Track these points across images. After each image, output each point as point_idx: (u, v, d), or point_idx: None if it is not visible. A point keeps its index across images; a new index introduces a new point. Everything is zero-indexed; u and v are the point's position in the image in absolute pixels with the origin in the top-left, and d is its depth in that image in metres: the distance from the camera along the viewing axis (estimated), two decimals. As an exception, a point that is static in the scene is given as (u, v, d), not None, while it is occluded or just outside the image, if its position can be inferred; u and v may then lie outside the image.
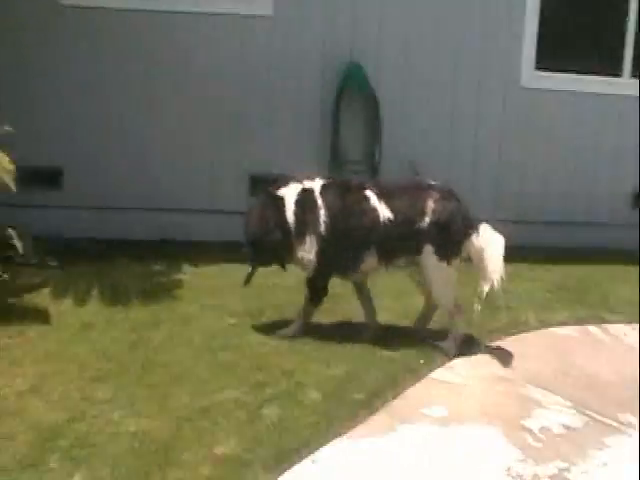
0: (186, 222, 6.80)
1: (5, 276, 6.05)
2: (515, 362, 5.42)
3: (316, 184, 5.39)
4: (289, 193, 5.35)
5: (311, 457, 4.30)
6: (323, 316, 5.78)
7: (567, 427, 4.67)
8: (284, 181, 5.37)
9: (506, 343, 5.71)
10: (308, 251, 5.34)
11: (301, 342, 5.43)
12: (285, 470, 4.19)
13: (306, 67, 7.03)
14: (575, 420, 4.74)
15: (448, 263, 5.36)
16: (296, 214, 5.31)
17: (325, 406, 4.75)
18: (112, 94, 6.90)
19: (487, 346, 5.61)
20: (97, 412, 4.54)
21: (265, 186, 5.47)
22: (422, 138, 7.23)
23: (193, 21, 6.94)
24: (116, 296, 5.82)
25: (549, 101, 7.48)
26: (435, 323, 5.76)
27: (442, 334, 5.59)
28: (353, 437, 4.50)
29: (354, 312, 5.85)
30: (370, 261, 5.41)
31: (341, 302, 6.02)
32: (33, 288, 5.84)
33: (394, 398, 4.86)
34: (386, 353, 5.37)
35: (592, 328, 6.13)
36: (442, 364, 5.31)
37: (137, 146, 6.91)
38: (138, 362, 5.07)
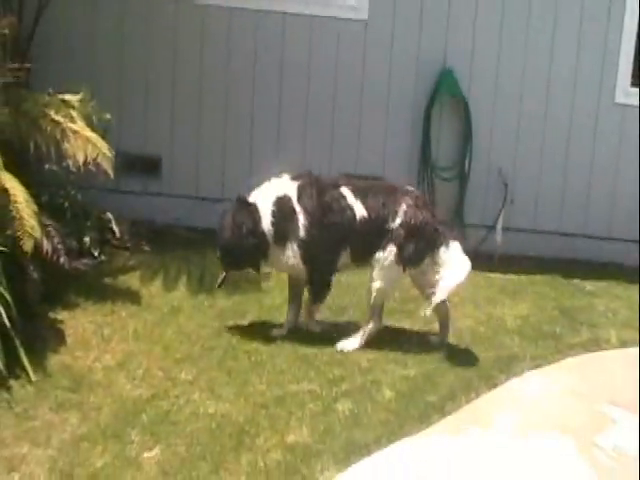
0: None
1: (102, 258, 6.42)
2: (593, 379, 5.48)
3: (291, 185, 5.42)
4: (264, 198, 5.38)
5: (380, 453, 4.49)
6: (404, 318, 5.95)
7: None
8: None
9: (585, 359, 5.76)
10: (293, 255, 5.40)
11: (380, 342, 5.61)
12: (354, 463, 4.39)
13: (398, 71, 7.19)
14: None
15: (403, 269, 5.47)
16: (273, 220, 5.35)
17: (398, 405, 4.94)
18: (214, 89, 7.19)
19: (565, 361, 5.68)
20: (179, 392, 4.84)
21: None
22: (512, 146, 7.30)
23: (289, 22, 7.18)
24: (204, 284, 6.10)
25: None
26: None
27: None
28: (423, 437, 4.66)
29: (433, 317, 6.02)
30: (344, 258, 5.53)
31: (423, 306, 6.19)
32: (127, 271, 6.18)
33: (467, 403, 4.99)
34: (464, 358, 5.51)
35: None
36: (519, 374, 5.41)
37: (232, 140, 7.18)
38: (221, 348, 5.36)
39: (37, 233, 4.94)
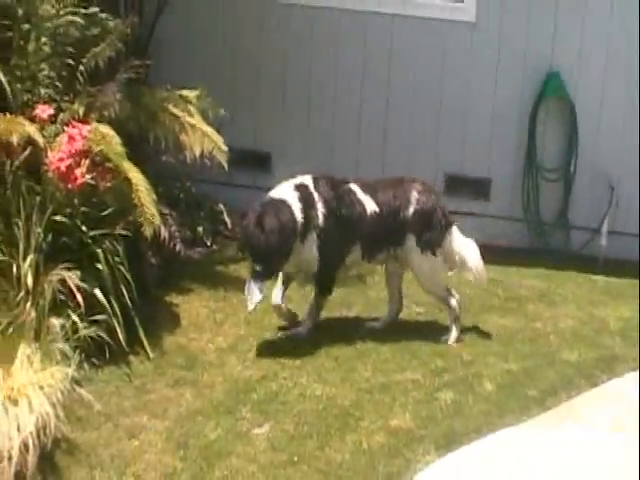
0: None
1: (214, 247, 6.77)
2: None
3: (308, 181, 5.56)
4: (290, 194, 5.46)
5: (480, 442, 4.69)
6: (507, 315, 6.11)
7: None
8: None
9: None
10: (311, 250, 5.50)
11: (484, 336, 5.81)
12: (454, 450, 4.60)
13: (505, 73, 7.28)
14: None
15: (433, 253, 5.61)
16: (303, 215, 5.40)
17: (498, 397, 5.13)
18: (322, 87, 7.46)
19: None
20: (287, 375, 5.13)
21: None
22: (618, 149, 7.31)
23: (397, 23, 7.38)
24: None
25: None
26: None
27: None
28: (522, 430, 4.82)
29: (539, 314, 6.16)
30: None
31: (526, 304, 6.34)
32: (237, 260, 6.47)
33: (567, 400, 5.13)
34: (565, 356, 5.63)
35: None
36: (620, 375, 5.50)
37: (340, 137, 7.42)
38: (328, 336, 5.62)
39: (157, 220, 5.26)
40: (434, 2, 7.38)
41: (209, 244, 6.73)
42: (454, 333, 5.72)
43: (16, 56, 5.50)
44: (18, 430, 4.02)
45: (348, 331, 5.71)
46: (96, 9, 5.77)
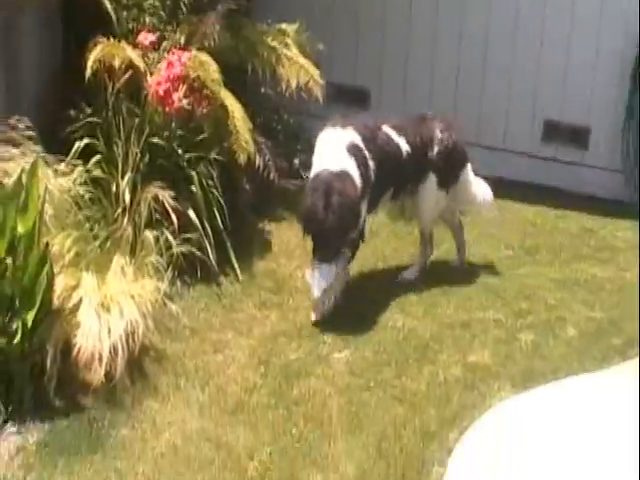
0: (479, 157, 7.28)
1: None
2: None
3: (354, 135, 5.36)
4: (349, 163, 5.23)
5: (556, 383, 4.79)
6: (597, 264, 6.15)
7: None
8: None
9: None
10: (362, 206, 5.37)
11: (572, 282, 5.86)
12: (530, 389, 4.72)
13: (608, 20, 7.15)
14: None
15: (447, 191, 5.69)
16: (362, 180, 5.25)
17: (580, 343, 5.21)
18: (422, 23, 7.47)
19: None
20: (371, 305, 5.33)
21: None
22: None
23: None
24: (403, 213, 6.36)
25: None
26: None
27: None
28: (600, 376, 4.90)
29: (631, 265, 6.17)
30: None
31: (619, 254, 6.36)
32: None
33: (651, 350, 5.18)
34: (654, 309, 5.67)
35: None
36: None
37: (438, 76, 7.46)
38: (413, 272, 5.77)
39: (251, 148, 5.47)
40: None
41: (304, 176, 6.91)
42: (413, 273, 5.76)
43: (122, -16, 5.75)
44: (109, 334, 4.32)
45: (433, 269, 5.85)
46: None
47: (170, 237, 5.10)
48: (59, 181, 4.94)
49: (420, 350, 4.96)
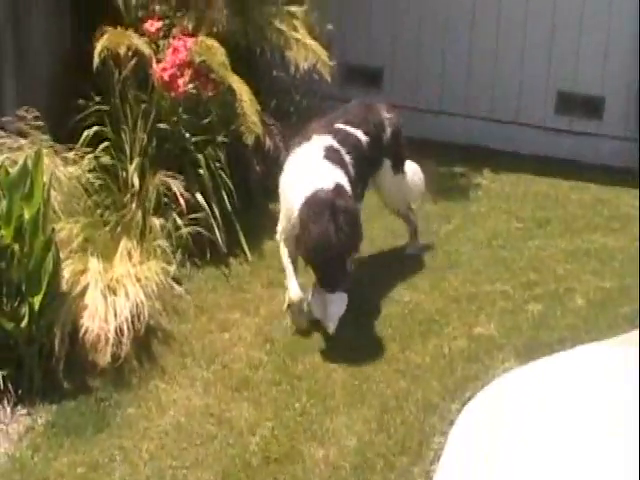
0: (493, 130, 7.27)
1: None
2: None
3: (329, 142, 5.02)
4: (340, 176, 4.86)
5: (562, 354, 4.77)
6: (609, 234, 6.08)
7: None
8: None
9: None
10: None
11: (582, 253, 5.81)
12: (535, 359, 4.70)
13: None
14: None
15: (402, 173, 5.54)
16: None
17: (588, 313, 5.17)
18: (431, 1, 7.43)
19: None
20: (378, 279, 5.32)
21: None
22: None
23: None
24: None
25: None
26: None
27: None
28: (609, 345, 4.87)
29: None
30: None
31: (632, 224, 6.28)
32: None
33: (660, 319, 5.13)
34: (665, 277, 5.60)
35: None
36: None
37: (454, 52, 7.40)
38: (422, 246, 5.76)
39: (258, 129, 5.48)
40: None
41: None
42: (418, 243, 5.72)
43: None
44: (115, 316, 4.39)
45: (443, 242, 5.84)
46: None
47: (179, 220, 5.16)
48: (68, 169, 5.02)
49: (425, 324, 4.96)
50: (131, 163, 5.28)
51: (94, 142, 5.36)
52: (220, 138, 5.56)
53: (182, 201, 5.20)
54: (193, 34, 5.61)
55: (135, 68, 5.46)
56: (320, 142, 5.02)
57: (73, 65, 5.67)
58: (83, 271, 4.57)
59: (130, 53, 5.40)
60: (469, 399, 4.39)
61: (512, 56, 7.31)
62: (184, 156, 5.46)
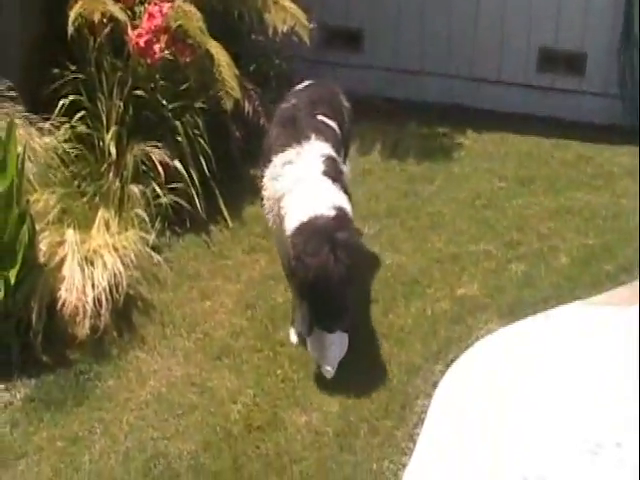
0: (474, 90, 7.11)
1: (303, 124, 6.79)
2: None
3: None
4: (341, 198, 4.22)
5: (546, 313, 4.67)
6: (592, 191, 5.96)
7: None
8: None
9: None
10: None
11: (566, 211, 5.69)
12: (519, 319, 4.60)
13: None
14: None
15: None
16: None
17: (572, 271, 5.07)
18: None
19: None
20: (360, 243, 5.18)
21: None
22: None
23: None
24: (396, 150, 6.35)
25: None
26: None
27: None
28: (592, 303, 4.77)
29: (627, 190, 5.97)
30: None
31: (615, 181, 6.15)
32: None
33: (643, 275, 5.02)
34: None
35: None
36: None
37: (433, 11, 7.22)
38: (405, 208, 5.65)
39: (237, 94, 5.32)
40: None
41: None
42: None
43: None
44: (92, 287, 4.26)
45: (426, 203, 5.70)
46: None
47: (157, 189, 5.01)
48: (44, 139, 4.87)
49: (408, 286, 4.85)
50: (108, 132, 5.11)
51: (70, 112, 5.18)
52: (198, 104, 5.39)
53: (161, 169, 5.05)
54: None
55: (110, 35, 5.27)
56: (317, 150, 4.29)
57: (49, 35, 5.49)
58: (60, 243, 4.43)
59: (105, 20, 5.21)
60: (452, 361, 4.30)
61: (493, 14, 7.14)
62: (162, 123, 5.29)
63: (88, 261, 4.36)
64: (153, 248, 4.78)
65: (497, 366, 4.27)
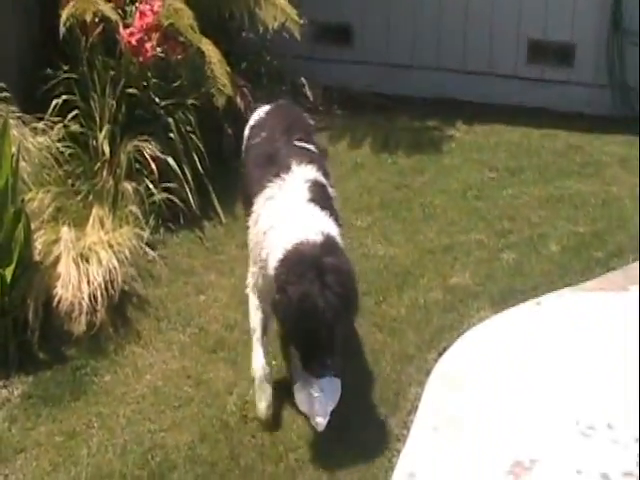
0: (465, 82, 7.10)
1: (295, 119, 6.80)
2: None
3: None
4: (329, 224, 3.76)
5: (537, 300, 4.68)
6: (583, 179, 5.96)
7: None
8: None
9: None
10: None
11: (556, 200, 5.69)
12: (510, 307, 4.62)
13: None
14: None
15: None
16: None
17: (562, 258, 5.08)
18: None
19: None
20: (353, 236, 5.19)
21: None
22: None
23: None
24: (387, 144, 6.35)
25: None
26: None
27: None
28: (583, 289, 4.78)
29: (617, 179, 5.98)
30: None
31: (605, 169, 6.15)
32: (317, 130, 6.50)
33: (633, 261, 5.01)
34: (637, 220, 5.45)
35: None
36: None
37: (423, 5, 7.21)
38: (397, 200, 5.66)
39: (229, 91, 5.34)
40: None
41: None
42: None
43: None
44: (88, 283, 4.27)
45: (418, 195, 5.71)
46: None
47: (151, 186, 5.03)
48: (37, 139, 4.88)
49: (401, 277, 4.86)
50: (101, 131, 5.12)
51: (64, 111, 5.19)
52: (190, 101, 5.40)
53: (154, 166, 5.06)
54: (161, -2, 5.44)
55: (102, 35, 5.28)
56: (300, 177, 3.84)
57: (40, 34, 5.50)
58: (55, 241, 4.45)
59: (97, 19, 5.23)
60: (445, 349, 4.31)
61: (482, 7, 7.14)
62: (155, 121, 5.30)
63: (83, 258, 4.38)
64: (147, 244, 4.79)
65: (490, 353, 4.29)
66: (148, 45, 5.20)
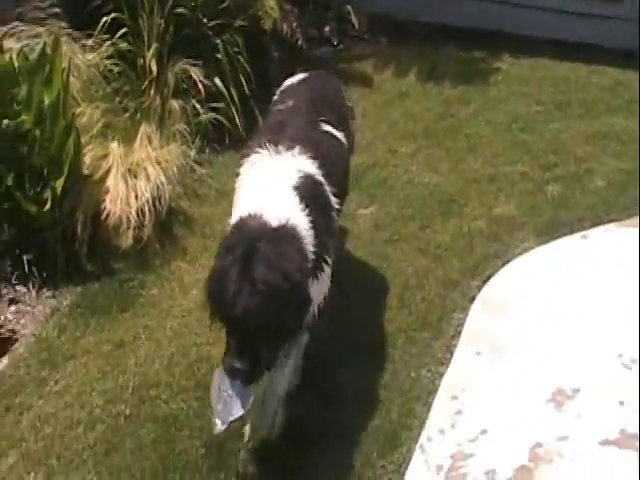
0: (512, 15, 6.96)
1: (340, 46, 6.71)
2: None
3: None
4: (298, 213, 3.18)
5: (582, 233, 4.63)
6: (631, 116, 5.83)
7: None
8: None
9: None
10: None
11: (602, 135, 5.58)
12: (554, 239, 4.57)
13: None
14: None
15: None
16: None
17: (607, 193, 5.00)
18: None
19: None
20: (398, 163, 5.18)
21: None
22: None
23: None
24: (433, 74, 6.26)
25: None
26: None
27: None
28: (627, 225, 4.71)
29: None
30: None
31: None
32: (362, 58, 6.44)
33: (679, 200, 4.95)
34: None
35: None
36: None
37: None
38: (442, 129, 5.60)
39: (275, 14, 5.31)
40: None
41: (335, 43, 6.68)
42: None
43: None
44: (136, 199, 4.27)
45: (463, 125, 5.64)
46: None
47: (197, 105, 4.99)
48: (87, 56, 4.85)
49: (445, 205, 4.82)
50: (149, 49, 5.08)
51: (112, 29, 5.14)
52: (238, 22, 5.34)
53: (201, 86, 5.02)
54: None
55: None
56: (294, 165, 3.33)
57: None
58: (104, 156, 4.45)
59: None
60: (489, 277, 4.28)
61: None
62: (202, 41, 5.26)
63: (132, 173, 4.38)
64: (195, 162, 4.77)
65: (534, 282, 4.25)
66: (198, -35, 5.14)
